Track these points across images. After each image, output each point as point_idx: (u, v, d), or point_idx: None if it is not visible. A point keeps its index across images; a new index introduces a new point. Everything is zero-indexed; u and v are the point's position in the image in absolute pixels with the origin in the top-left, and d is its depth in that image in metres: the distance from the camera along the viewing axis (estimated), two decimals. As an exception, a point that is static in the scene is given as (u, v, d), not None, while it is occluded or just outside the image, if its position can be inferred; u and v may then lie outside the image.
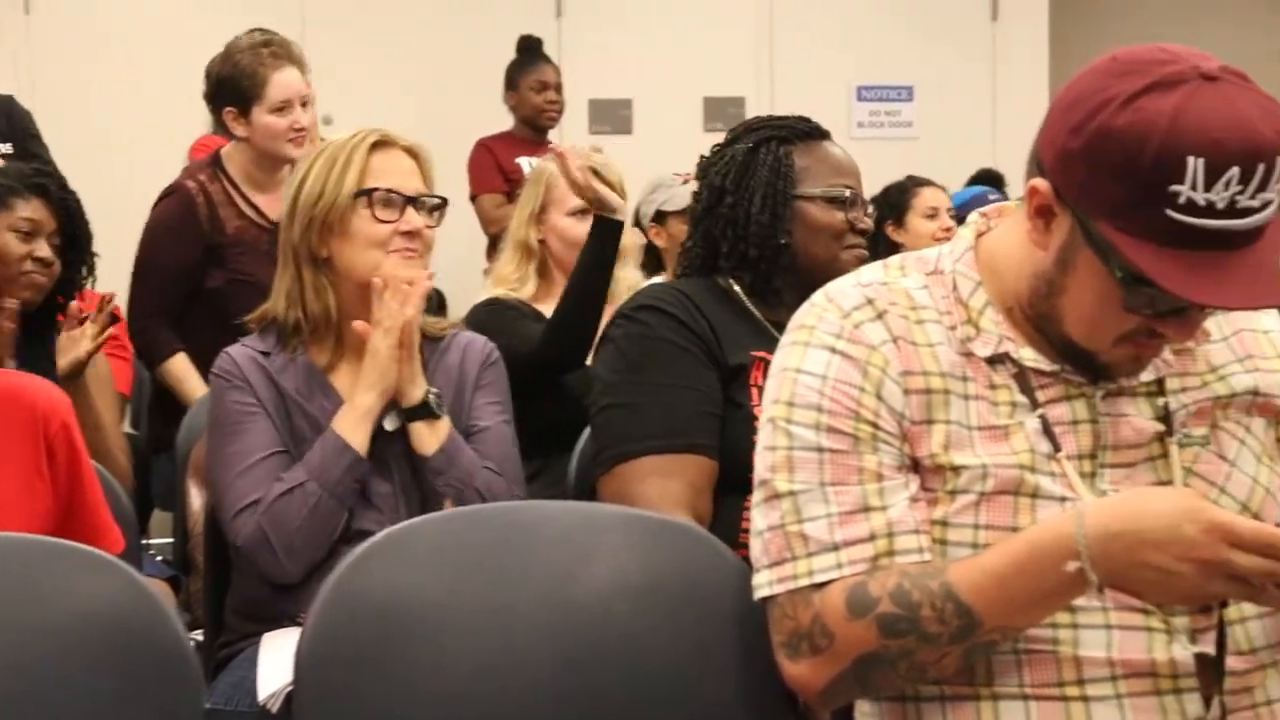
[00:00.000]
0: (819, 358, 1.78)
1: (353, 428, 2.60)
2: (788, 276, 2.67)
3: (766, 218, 2.67)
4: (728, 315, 2.64)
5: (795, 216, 2.68)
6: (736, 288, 2.70)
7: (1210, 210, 1.57)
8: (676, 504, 2.42)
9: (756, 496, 1.79)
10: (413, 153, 2.75)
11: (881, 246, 5.19)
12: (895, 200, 5.51)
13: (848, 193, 2.71)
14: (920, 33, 7.80)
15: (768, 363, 2.50)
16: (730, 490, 2.47)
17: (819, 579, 1.71)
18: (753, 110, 6.94)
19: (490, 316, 3.55)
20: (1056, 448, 1.73)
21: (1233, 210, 1.57)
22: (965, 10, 7.89)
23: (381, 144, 2.71)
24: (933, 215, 5.47)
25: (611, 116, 7.45)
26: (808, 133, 2.77)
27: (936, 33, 7.80)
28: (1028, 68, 7.62)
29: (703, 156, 2.84)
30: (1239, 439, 1.80)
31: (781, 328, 2.58)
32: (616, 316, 2.69)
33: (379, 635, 1.94)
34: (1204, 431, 1.78)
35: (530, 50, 6.53)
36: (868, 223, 2.74)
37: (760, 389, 2.52)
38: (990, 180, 6.58)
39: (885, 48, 7.77)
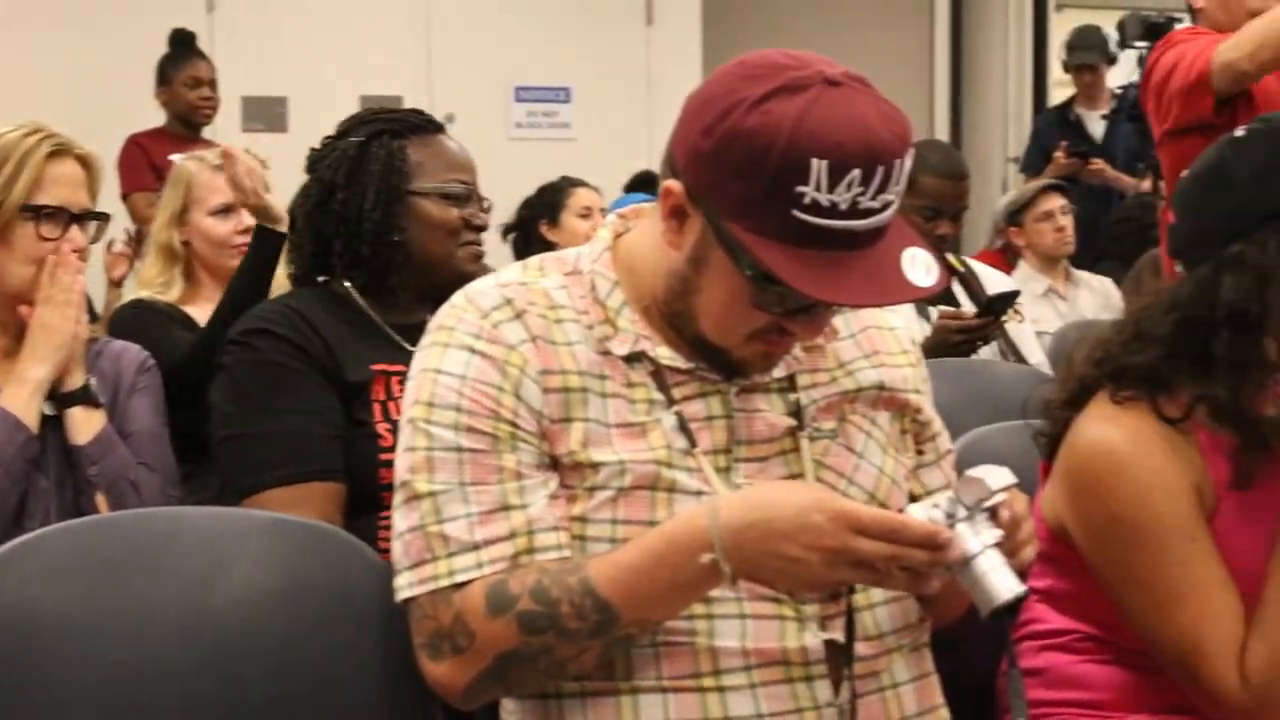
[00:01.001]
0: (458, 358, 1.77)
1: (25, 405, 2.51)
2: (403, 275, 2.62)
3: (379, 214, 2.60)
4: (345, 328, 2.56)
5: (409, 213, 2.61)
6: (353, 292, 2.63)
7: (834, 211, 1.61)
8: None
9: (397, 499, 1.78)
10: (85, 162, 2.65)
11: (535, 245, 5.23)
12: (550, 200, 5.56)
13: (462, 188, 2.65)
14: (577, 35, 7.87)
15: (389, 375, 2.49)
16: (362, 510, 2.42)
17: (459, 579, 1.71)
18: (411, 109, 6.88)
19: (136, 319, 3.45)
20: (692, 443, 1.76)
21: (855, 211, 1.62)
22: (621, 14, 8.00)
23: (57, 153, 2.60)
24: (586, 215, 5.54)
25: (266, 114, 7.32)
26: (421, 126, 2.70)
27: (593, 35, 7.89)
28: (681, 70, 7.74)
29: (313, 149, 2.74)
30: (866, 431, 1.86)
31: (402, 330, 2.57)
32: (228, 341, 2.57)
33: (8, 649, 1.86)
34: (833, 425, 1.84)
35: (183, 45, 6.38)
36: (484, 219, 2.68)
37: (383, 404, 2.49)
38: (649, 182, 6.67)
39: (543, 49, 7.82)
